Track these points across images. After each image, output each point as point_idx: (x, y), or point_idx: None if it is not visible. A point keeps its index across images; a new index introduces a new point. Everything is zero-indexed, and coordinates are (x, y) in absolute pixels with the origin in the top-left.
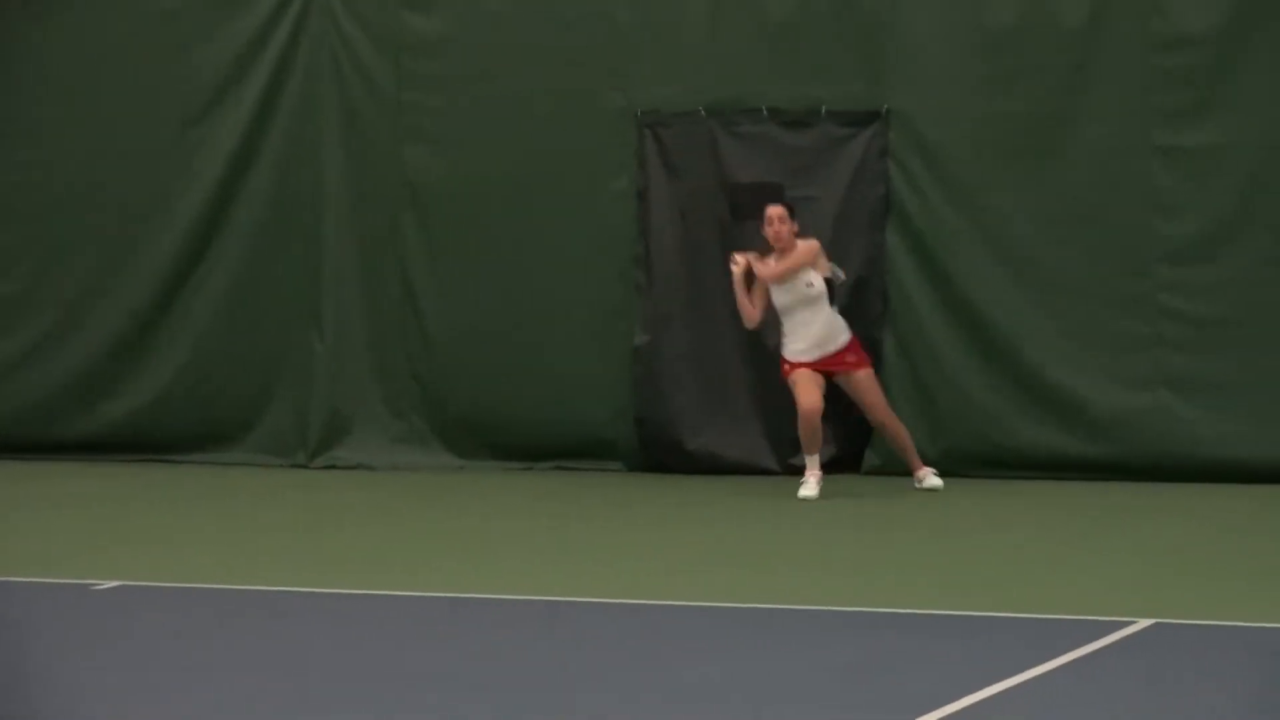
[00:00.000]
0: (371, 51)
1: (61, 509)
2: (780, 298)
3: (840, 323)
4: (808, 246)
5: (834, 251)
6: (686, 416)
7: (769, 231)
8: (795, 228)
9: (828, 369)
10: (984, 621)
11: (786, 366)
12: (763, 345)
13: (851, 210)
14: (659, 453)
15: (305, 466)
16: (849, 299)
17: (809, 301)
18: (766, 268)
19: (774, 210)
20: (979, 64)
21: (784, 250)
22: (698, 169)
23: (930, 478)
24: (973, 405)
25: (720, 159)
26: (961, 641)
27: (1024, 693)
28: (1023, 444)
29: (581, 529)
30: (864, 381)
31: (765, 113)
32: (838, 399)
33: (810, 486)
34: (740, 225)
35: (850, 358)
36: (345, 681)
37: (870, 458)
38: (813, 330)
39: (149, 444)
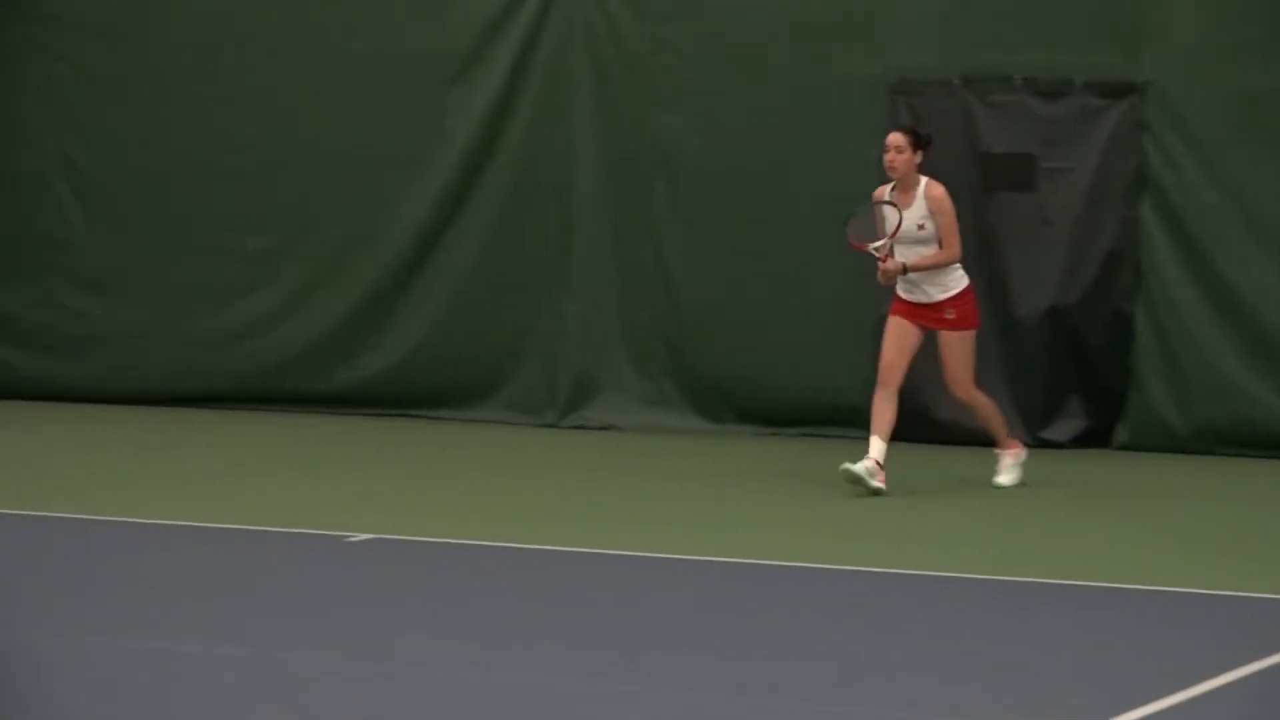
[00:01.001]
0: (625, 16)
1: (315, 462)
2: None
3: (953, 275)
4: (938, 200)
5: (1087, 222)
6: (933, 386)
7: (886, 159)
8: (917, 158)
9: (920, 320)
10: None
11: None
12: (1011, 313)
13: (1104, 182)
14: (908, 423)
15: (554, 426)
16: (1099, 270)
17: (919, 242)
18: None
19: (893, 138)
20: (1239, 38)
21: (901, 181)
22: (949, 138)
23: (1006, 473)
24: (1226, 383)
25: (973, 128)
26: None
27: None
28: (1276, 423)
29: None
30: (949, 345)
31: (1019, 82)
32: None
33: (863, 464)
34: (990, 196)
35: (950, 314)
36: (602, 642)
37: (1120, 433)
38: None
39: (400, 399)
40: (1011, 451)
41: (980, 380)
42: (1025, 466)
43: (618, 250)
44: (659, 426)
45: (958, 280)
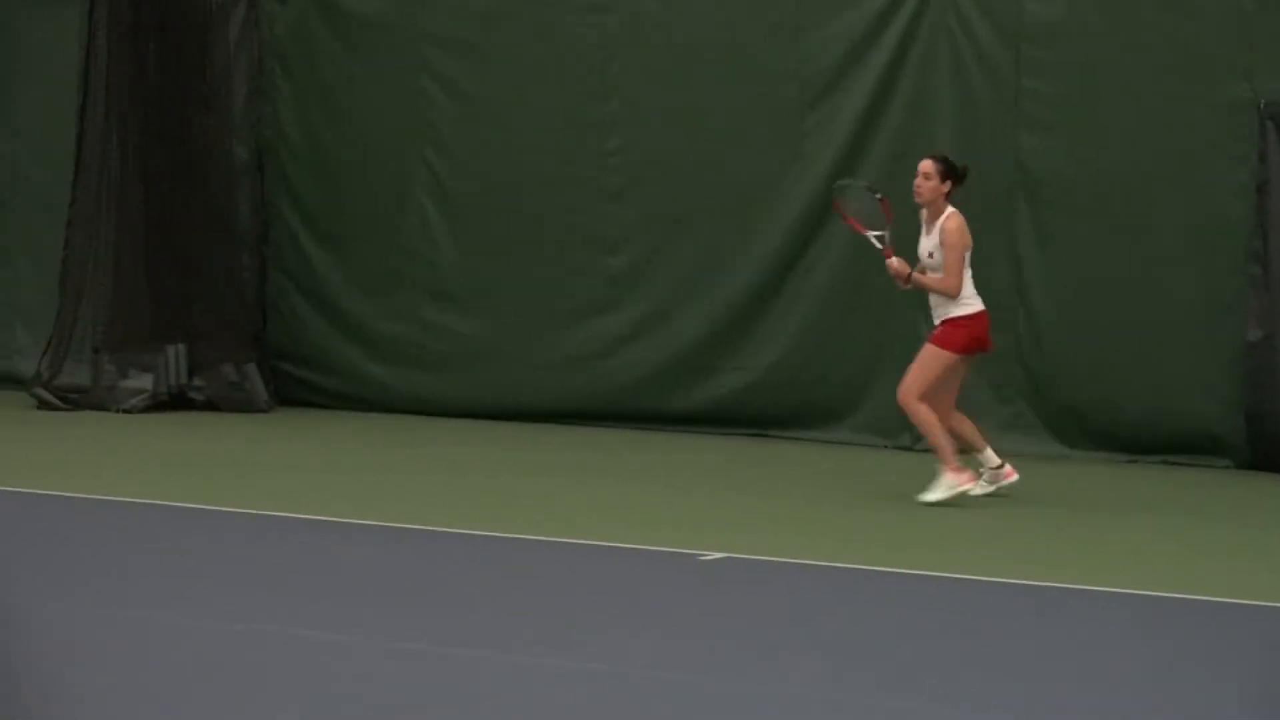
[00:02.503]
0: (992, 38)
1: (670, 480)
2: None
3: (957, 302)
4: (946, 232)
5: None
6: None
7: (915, 183)
8: (945, 189)
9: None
10: None
11: None
12: None
13: None
14: (1270, 451)
15: (908, 449)
16: None
17: (930, 269)
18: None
19: (924, 164)
20: None
21: (929, 207)
22: None
23: (936, 490)
24: None
25: None
26: None
27: None
28: None
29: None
30: (922, 352)
31: None
32: None
33: (982, 483)
34: None
35: (938, 327)
36: (946, 667)
37: None
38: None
39: (754, 419)
40: (951, 473)
41: None
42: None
43: (978, 272)
44: (1016, 450)
45: (960, 308)
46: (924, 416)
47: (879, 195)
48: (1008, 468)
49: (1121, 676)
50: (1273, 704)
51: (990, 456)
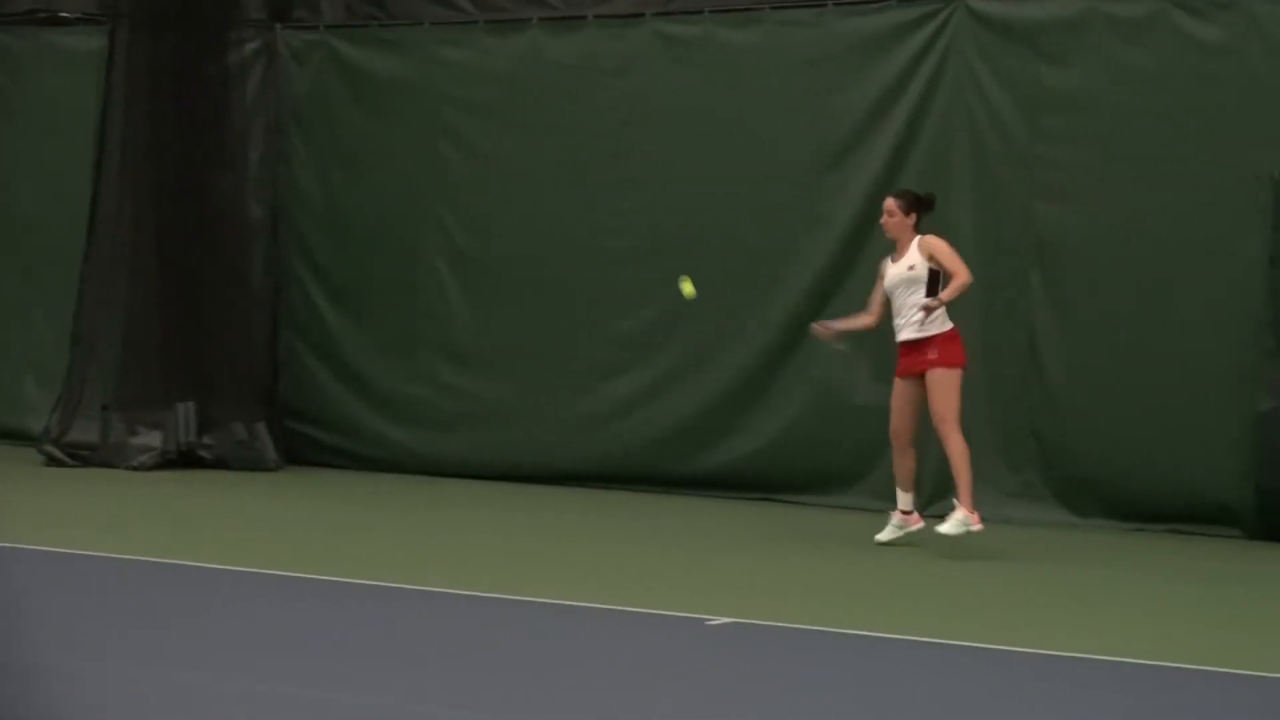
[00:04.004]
0: (1008, 104)
1: (678, 542)
2: (889, 278)
3: (937, 318)
4: (929, 244)
5: None
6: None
7: (881, 220)
8: (910, 220)
9: (913, 370)
10: None
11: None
12: None
13: None
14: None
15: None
16: None
17: (910, 281)
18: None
19: (887, 203)
20: None
21: (899, 240)
22: None
23: (952, 522)
24: None
25: None
26: None
27: None
28: None
29: (1197, 593)
30: (934, 381)
31: None
32: None
33: (888, 530)
34: None
35: (932, 353)
36: None
37: None
38: (907, 309)
39: (765, 484)
40: (965, 512)
41: None
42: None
43: (989, 338)
44: (1023, 519)
45: (941, 323)
46: (961, 448)
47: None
48: (915, 516)
49: None
50: None
51: (904, 500)
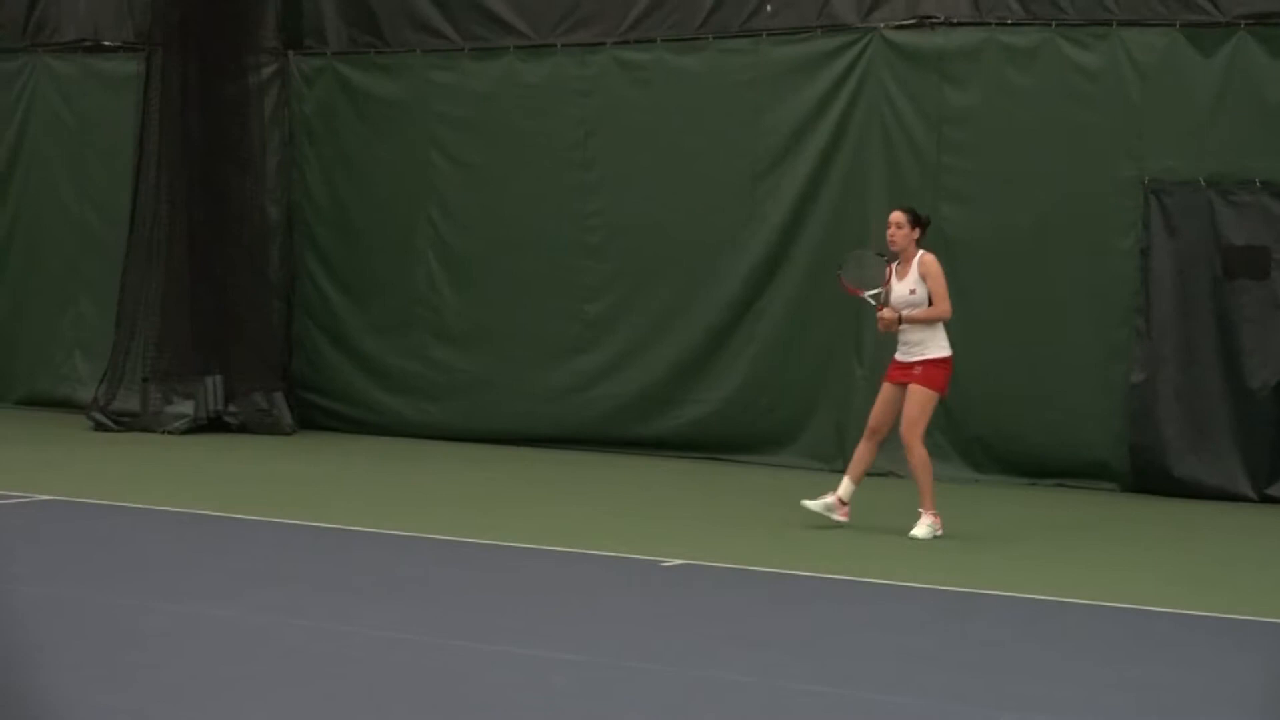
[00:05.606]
0: (916, 120)
1: (635, 496)
2: (894, 296)
3: (937, 339)
4: (927, 264)
5: None
6: (1174, 446)
7: (888, 234)
8: (915, 235)
9: (901, 379)
10: None
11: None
12: (1244, 385)
13: None
14: (1149, 477)
15: (840, 472)
16: None
17: (909, 305)
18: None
19: (894, 216)
20: None
21: (902, 253)
22: (1195, 232)
23: (922, 527)
24: None
25: (1216, 224)
26: None
27: None
28: None
29: (1081, 538)
30: (911, 394)
31: (1258, 184)
32: None
33: (823, 500)
34: (1231, 282)
35: (917, 370)
36: (861, 658)
37: None
38: (906, 332)
39: (711, 445)
40: (930, 516)
41: (1213, 443)
42: (1251, 518)
43: None
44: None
45: (935, 349)
46: (923, 458)
47: (886, 258)
48: (846, 510)
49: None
50: (1139, 690)
51: (846, 489)
